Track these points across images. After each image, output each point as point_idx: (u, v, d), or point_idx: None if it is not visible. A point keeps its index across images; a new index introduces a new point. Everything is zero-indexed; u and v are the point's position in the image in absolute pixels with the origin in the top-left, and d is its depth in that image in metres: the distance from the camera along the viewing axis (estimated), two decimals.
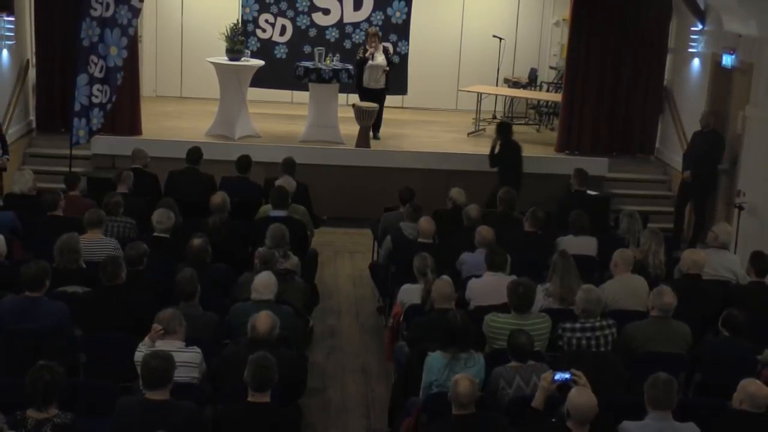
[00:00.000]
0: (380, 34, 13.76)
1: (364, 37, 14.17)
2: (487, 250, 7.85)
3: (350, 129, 13.34)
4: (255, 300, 6.78)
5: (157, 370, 5.33)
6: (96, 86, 11.22)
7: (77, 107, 11.17)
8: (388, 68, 13.35)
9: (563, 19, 15.67)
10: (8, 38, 12.32)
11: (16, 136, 12.58)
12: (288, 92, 15.31)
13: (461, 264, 8.26)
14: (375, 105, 12.93)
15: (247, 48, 14.00)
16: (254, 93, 14.02)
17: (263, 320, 6.13)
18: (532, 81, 16.02)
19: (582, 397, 5.25)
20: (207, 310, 6.78)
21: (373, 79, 13.31)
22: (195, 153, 10.48)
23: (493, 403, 5.89)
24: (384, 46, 13.66)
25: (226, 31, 13.33)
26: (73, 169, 10.95)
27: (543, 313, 6.88)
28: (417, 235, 8.75)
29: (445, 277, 7.16)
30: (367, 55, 13.26)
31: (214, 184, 10.23)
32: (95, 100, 11.26)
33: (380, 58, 13.29)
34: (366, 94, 13.39)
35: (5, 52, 12.35)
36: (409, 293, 7.54)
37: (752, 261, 7.86)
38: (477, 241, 8.23)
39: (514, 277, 7.23)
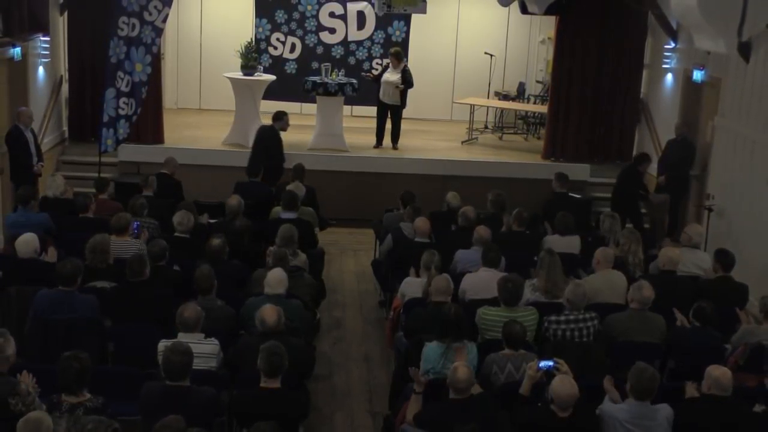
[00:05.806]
0: (399, 54, 13.33)
1: (367, 53, 14.34)
2: (483, 247, 7.84)
3: (354, 138, 13.34)
4: (267, 294, 6.77)
5: (177, 365, 5.33)
6: (123, 99, 11.23)
7: (105, 118, 11.19)
8: (402, 86, 13.17)
9: (549, 38, 15.65)
10: (44, 56, 12.35)
11: (51, 144, 12.59)
12: (297, 104, 15.24)
13: (456, 261, 8.25)
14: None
15: (260, 64, 13.99)
16: (266, 105, 13.98)
17: (269, 313, 6.11)
18: (521, 94, 15.98)
19: (564, 386, 5.26)
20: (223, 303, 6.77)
21: (387, 94, 13.28)
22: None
23: (485, 388, 5.88)
24: (404, 66, 13.38)
25: (241, 48, 13.37)
26: (101, 175, 10.93)
27: (530, 306, 6.88)
28: (415, 234, 8.75)
29: (444, 273, 7.16)
30: (377, 72, 13.32)
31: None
32: (122, 112, 11.27)
33: (394, 77, 13.11)
34: (382, 107, 13.43)
35: (41, 68, 12.36)
36: (410, 286, 7.54)
37: (717, 257, 7.85)
38: (474, 239, 8.20)
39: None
